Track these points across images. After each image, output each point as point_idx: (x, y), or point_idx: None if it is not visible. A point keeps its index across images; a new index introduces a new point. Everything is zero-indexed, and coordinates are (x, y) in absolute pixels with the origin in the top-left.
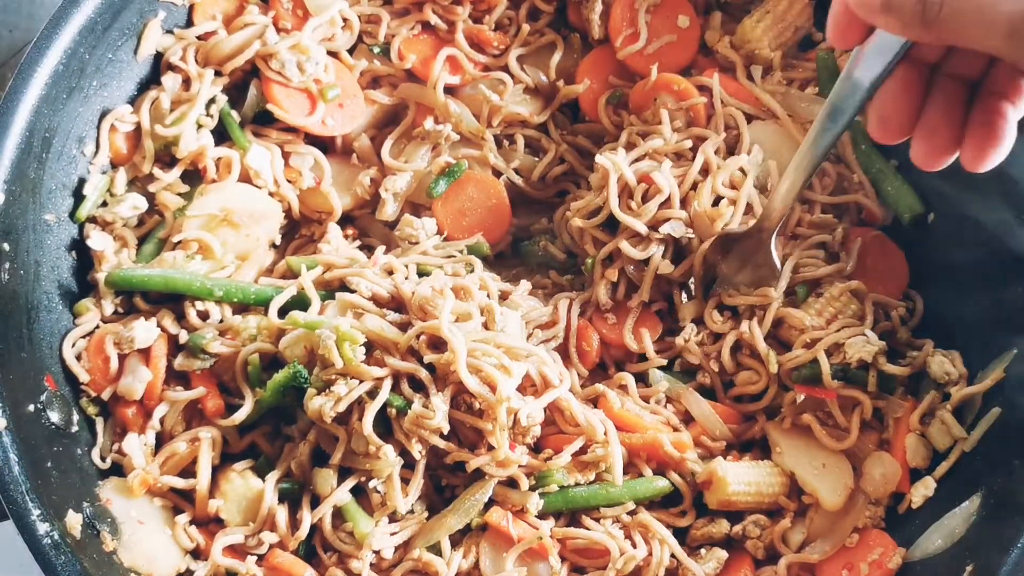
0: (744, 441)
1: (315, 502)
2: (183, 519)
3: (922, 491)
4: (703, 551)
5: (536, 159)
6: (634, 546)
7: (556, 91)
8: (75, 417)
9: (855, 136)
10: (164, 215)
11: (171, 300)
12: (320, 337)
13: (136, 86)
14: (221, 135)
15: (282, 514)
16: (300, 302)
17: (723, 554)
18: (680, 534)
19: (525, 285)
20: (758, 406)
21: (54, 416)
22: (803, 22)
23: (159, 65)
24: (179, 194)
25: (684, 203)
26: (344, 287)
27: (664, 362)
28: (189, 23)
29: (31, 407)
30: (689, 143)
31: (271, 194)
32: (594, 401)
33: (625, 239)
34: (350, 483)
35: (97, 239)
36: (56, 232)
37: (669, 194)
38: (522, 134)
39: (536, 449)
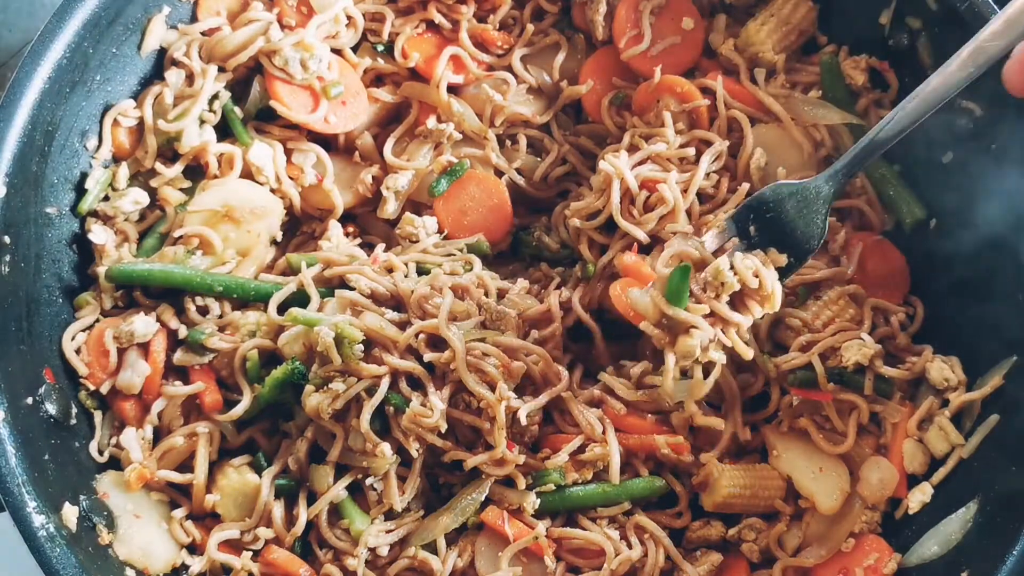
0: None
1: (312, 499)
2: (179, 513)
3: (919, 497)
4: (698, 553)
5: (538, 159)
6: (629, 547)
7: (559, 92)
8: (73, 410)
9: (857, 140)
10: (165, 210)
11: (171, 295)
12: (319, 334)
13: (139, 81)
14: (224, 131)
15: (278, 510)
16: (300, 299)
17: (718, 557)
18: (676, 536)
19: (522, 283)
20: (763, 415)
21: (52, 409)
22: (807, 26)
23: (163, 60)
24: (181, 189)
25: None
26: (344, 284)
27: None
28: (193, 19)
29: (29, 399)
30: (692, 150)
31: (273, 191)
32: (594, 404)
33: (622, 247)
34: (347, 480)
35: (98, 233)
36: (57, 226)
37: (674, 207)
38: (525, 134)
39: (534, 448)
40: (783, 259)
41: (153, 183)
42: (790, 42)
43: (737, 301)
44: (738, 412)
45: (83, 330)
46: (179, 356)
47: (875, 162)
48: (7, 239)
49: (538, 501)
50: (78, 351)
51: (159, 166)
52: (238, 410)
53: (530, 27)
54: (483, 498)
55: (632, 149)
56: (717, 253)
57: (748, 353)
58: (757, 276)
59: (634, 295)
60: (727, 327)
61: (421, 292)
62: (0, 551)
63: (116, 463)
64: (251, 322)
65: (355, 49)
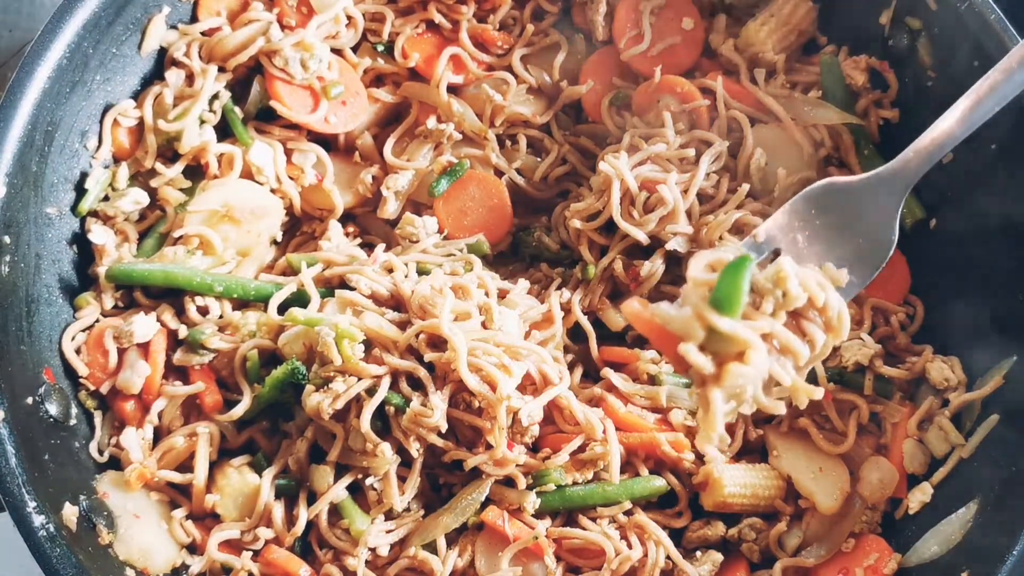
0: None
1: (312, 499)
2: (179, 514)
3: (919, 497)
4: (699, 553)
5: (538, 159)
6: (630, 547)
7: (559, 92)
8: (73, 410)
9: (857, 140)
10: (166, 210)
11: (171, 295)
12: (319, 334)
13: (139, 81)
14: (224, 131)
15: (278, 510)
16: (300, 299)
17: (718, 556)
18: (676, 536)
19: (523, 284)
20: (762, 415)
21: (52, 409)
22: (807, 26)
23: (163, 60)
24: (181, 189)
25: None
26: (344, 285)
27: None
28: (193, 19)
29: (29, 400)
30: (692, 151)
31: (273, 191)
32: (594, 404)
33: (622, 248)
34: (347, 480)
35: (98, 233)
36: (57, 226)
37: (673, 208)
38: (525, 134)
39: (534, 448)
40: (843, 276)
41: (153, 183)
42: (790, 42)
43: (791, 326)
44: None
45: (83, 330)
46: (179, 356)
47: (875, 162)
48: (7, 239)
49: (538, 501)
50: (78, 351)
51: (159, 166)
52: (238, 410)
53: (530, 27)
54: (483, 498)
55: (632, 149)
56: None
57: (816, 392)
58: (824, 291)
59: (664, 310)
60: (783, 357)
61: (422, 292)
62: (0, 551)
63: (116, 463)
64: (251, 322)
65: (355, 49)
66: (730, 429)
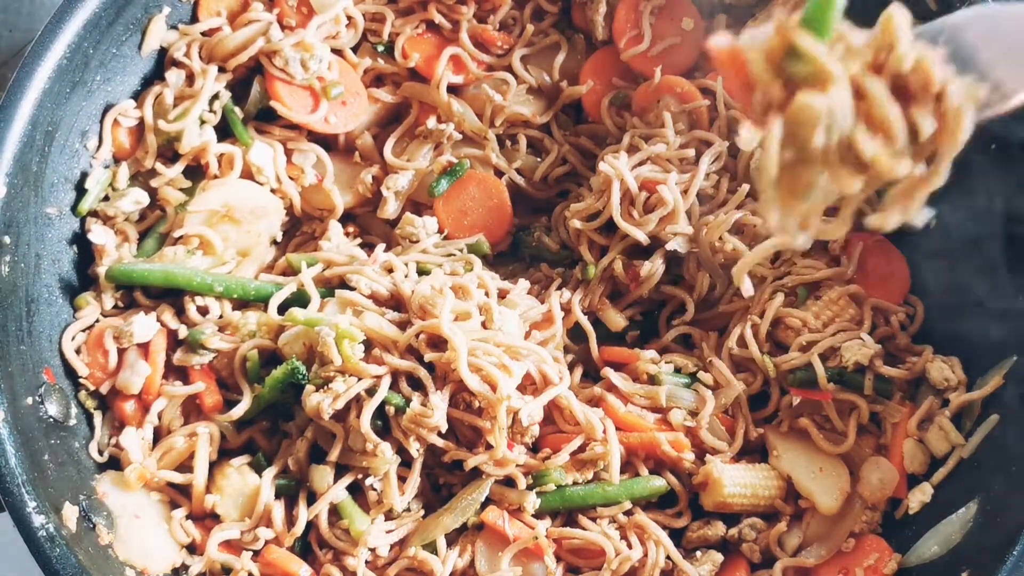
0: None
1: (311, 499)
2: (179, 514)
3: (919, 497)
4: (699, 553)
5: (538, 159)
6: (630, 547)
7: (559, 92)
8: (73, 410)
9: None
10: (166, 210)
11: (171, 295)
12: (319, 334)
13: (140, 81)
14: (224, 131)
15: (278, 510)
16: (300, 299)
17: (719, 557)
18: (676, 536)
19: (523, 284)
20: (763, 415)
21: (52, 409)
22: None
23: (163, 60)
24: (181, 189)
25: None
26: (344, 285)
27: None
28: (194, 19)
29: (29, 400)
30: (692, 151)
31: (273, 191)
32: (594, 404)
33: (622, 248)
34: (347, 480)
35: (98, 233)
36: (57, 226)
37: (673, 208)
38: (524, 134)
39: (534, 448)
40: (979, 92)
41: (153, 183)
42: None
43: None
44: (746, 410)
45: (83, 330)
46: (179, 356)
47: None
48: (7, 239)
49: (538, 501)
50: (78, 351)
51: (159, 166)
52: (238, 410)
53: (530, 27)
54: (483, 498)
55: (632, 150)
56: None
57: (896, 168)
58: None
59: (747, 35)
60: (873, 129)
61: (422, 292)
62: (0, 551)
63: (116, 463)
64: (251, 322)
65: (355, 49)
66: (730, 429)
